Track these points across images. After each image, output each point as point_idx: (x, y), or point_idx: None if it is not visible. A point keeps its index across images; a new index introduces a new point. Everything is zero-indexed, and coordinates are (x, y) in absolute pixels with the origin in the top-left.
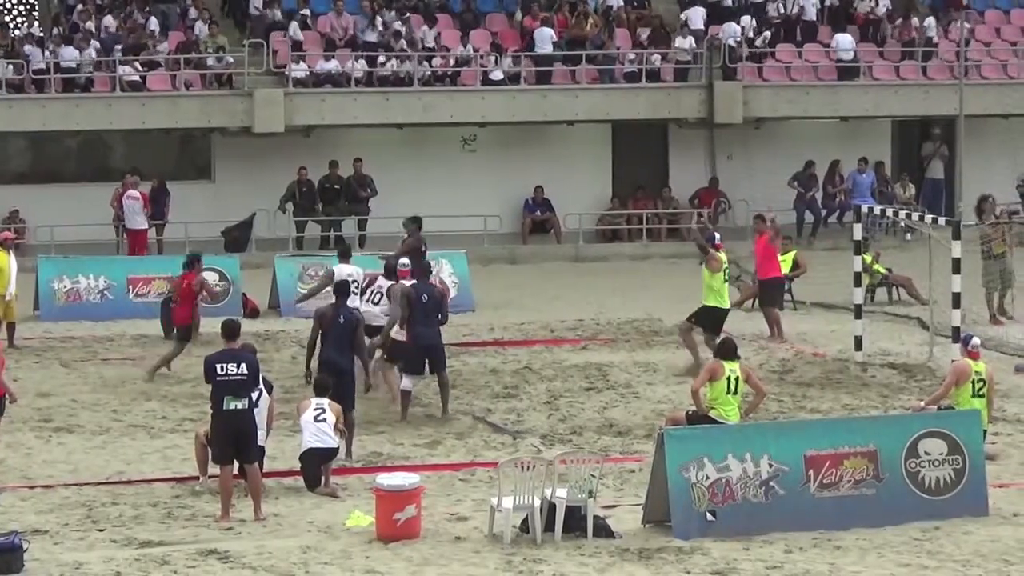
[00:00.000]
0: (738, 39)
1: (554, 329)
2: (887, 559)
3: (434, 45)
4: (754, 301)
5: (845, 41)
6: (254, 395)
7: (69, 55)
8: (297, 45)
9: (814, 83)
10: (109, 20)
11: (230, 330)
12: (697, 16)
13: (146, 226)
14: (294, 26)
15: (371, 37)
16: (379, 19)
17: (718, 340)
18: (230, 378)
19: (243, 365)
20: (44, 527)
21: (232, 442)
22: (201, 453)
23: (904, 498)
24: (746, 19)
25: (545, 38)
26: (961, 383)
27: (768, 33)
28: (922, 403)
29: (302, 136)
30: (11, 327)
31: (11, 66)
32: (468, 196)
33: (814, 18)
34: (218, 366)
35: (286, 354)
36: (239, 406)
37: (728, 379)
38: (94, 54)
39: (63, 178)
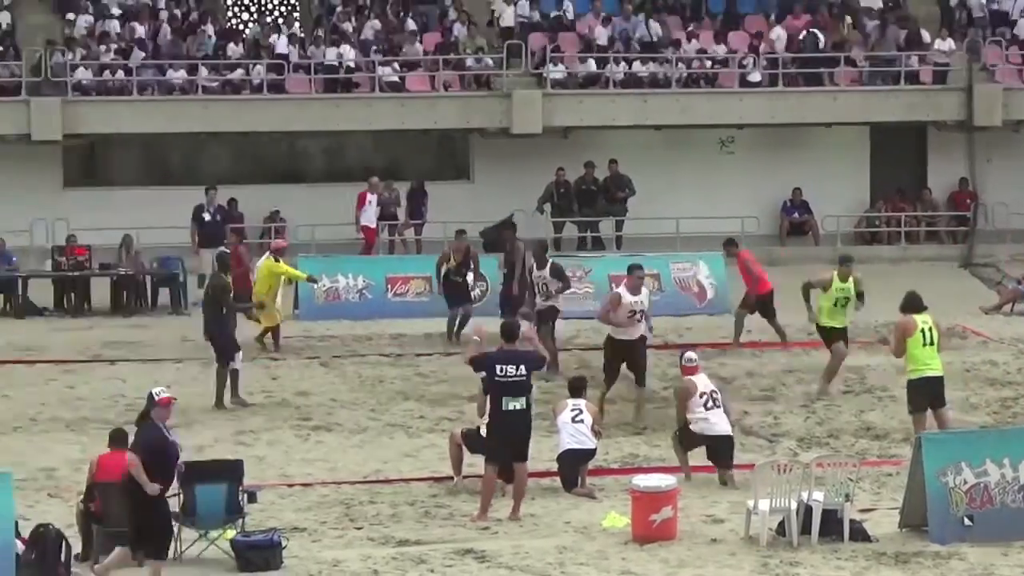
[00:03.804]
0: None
1: (811, 332)
2: None
3: (694, 47)
4: (1012, 305)
5: None
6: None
7: (330, 56)
8: (555, 47)
9: None
10: (368, 21)
11: (509, 331)
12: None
13: (371, 224)
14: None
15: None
16: (635, 20)
17: None
18: (509, 379)
19: (522, 366)
20: (302, 525)
21: (509, 441)
22: (455, 453)
23: None
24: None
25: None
26: None
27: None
28: None
29: (560, 137)
30: (275, 331)
31: (272, 67)
32: (725, 198)
33: None
34: (498, 366)
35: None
36: (518, 406)
37: (923, 331)
38: (355, 54)
39: (323, 178)
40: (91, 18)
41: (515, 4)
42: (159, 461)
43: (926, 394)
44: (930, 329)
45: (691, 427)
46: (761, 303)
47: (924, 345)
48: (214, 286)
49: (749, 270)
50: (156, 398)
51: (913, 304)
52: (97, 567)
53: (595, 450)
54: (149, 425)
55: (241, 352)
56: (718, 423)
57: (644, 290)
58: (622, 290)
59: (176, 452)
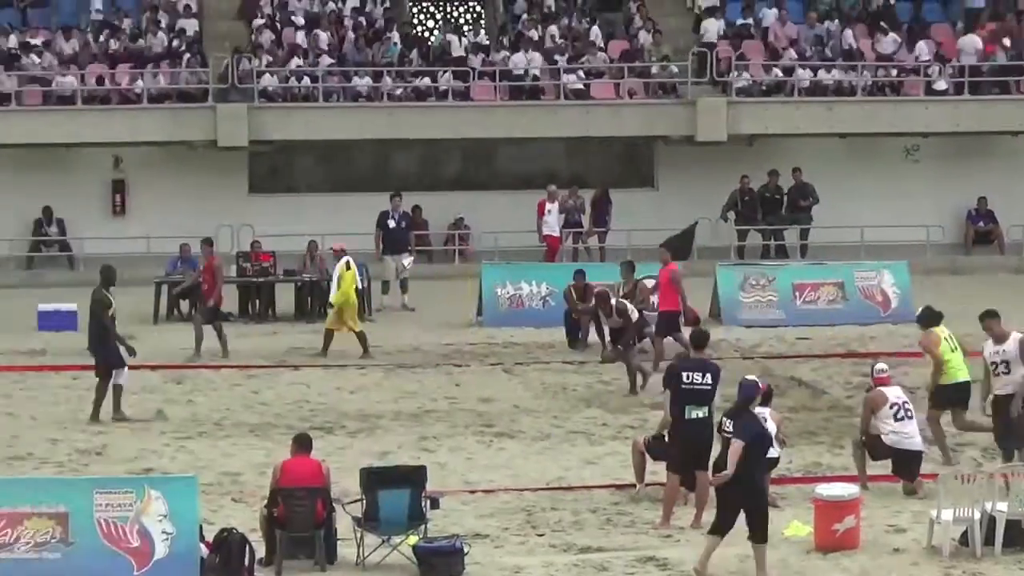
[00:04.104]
0: None
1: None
2: None
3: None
4: None
5: None
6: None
7: (516, 62)
8: (740, 55)
9: None
10: (553, 29)
11: (699, 339)
12: None
13: (553, 232)
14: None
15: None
16: (820, 28)
17: None
18: (695, 387)
19: (708, 375)
20: (484, 531)
21: (692, 450)
22: (638, 461)
23: None
24: None
25: (970, 49)
26: None
27: None
28: None
29: (745, 145)
30: (359, 336)
31: (457, 75)
32: (910, 206)
33: None
34: (684, 374)
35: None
36: (700, 414)
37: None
38: (540, 61)
39: (507, 185)
40: (277, 25)
41: (719, 16)
42: (760, 451)
43: None
44: (948, 336)
45: (883, 438)
46: (666, 321)
47: (952, 351)
48: (94, 301)
49: (675, 284)
50: (760, 385)
51: (933, 318)
52: (696, 566)
53: (779, 459)
54: (752, 414)
55: (126, 368)
56: (910, 436)
57: (1015, 335)
58: (988, 343)
59: (771, 441)
